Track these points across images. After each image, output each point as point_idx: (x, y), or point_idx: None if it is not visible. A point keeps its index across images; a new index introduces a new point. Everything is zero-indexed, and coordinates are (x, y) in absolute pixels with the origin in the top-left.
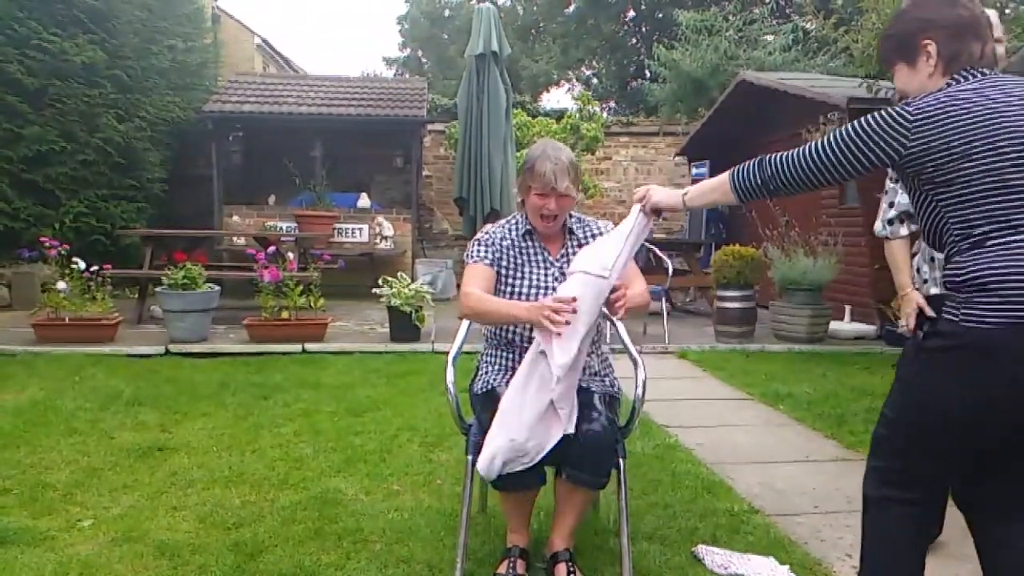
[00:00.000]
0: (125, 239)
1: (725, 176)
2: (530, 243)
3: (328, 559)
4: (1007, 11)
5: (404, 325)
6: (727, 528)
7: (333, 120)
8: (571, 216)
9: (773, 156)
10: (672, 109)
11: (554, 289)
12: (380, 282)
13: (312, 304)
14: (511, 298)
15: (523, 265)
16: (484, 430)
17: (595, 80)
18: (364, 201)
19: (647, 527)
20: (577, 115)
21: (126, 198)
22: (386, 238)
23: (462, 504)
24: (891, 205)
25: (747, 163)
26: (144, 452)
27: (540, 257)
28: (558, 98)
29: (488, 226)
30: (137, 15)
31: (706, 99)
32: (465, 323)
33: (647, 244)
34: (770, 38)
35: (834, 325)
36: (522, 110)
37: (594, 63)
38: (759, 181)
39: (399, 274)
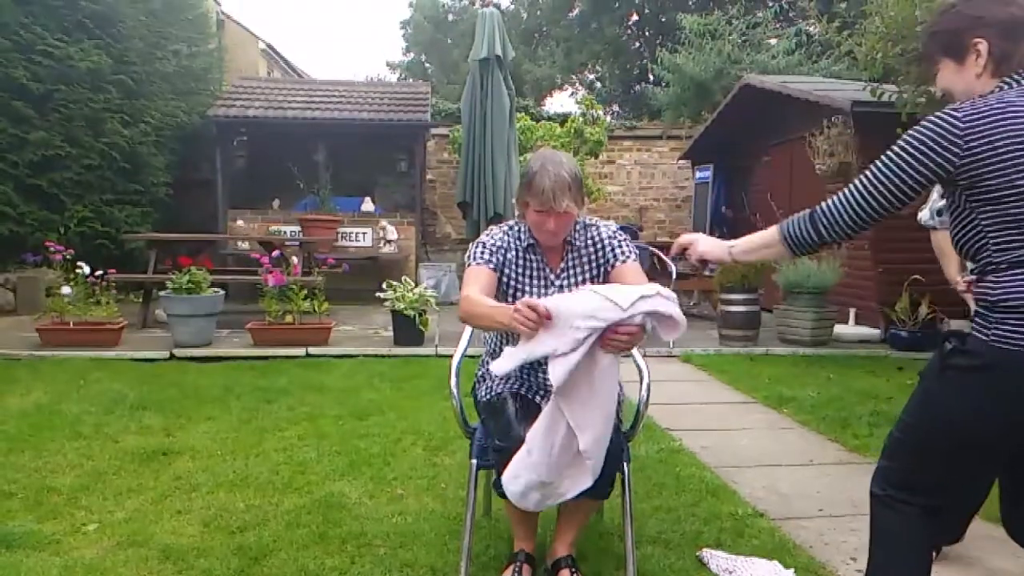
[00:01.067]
0: (130, 243)
1: (775, 233)
2: (532, 257)
3: (332, 563)
4: None
5: (408, 329)
6: (731, 532)
7: (337, 124)
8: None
9: (823, 205)
10: (676, 113)
11: None
12: (384, 286)
13: (316, 308)
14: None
15: (524, 283)
16: (489, 435)
17: (599, 84)
18: (368, 205)
19: (651, 531)
20: (581, 119)
21: (131, 203)
22: (390, 242)
23: (466, 508)
24: (942, 195)
25: (798, 218)
26: (148, 456)
27: (541, 274)
28: (561, 102)
29: (493, 229)
30: (142, 20)
31: (710, 103)
32: (468, 327)
33: (651, 247)
34: (773, 42)
35: (838, 328)
36: (526, 114)
37: (597, 67)
38: (814, 235)
39: (403, 278)
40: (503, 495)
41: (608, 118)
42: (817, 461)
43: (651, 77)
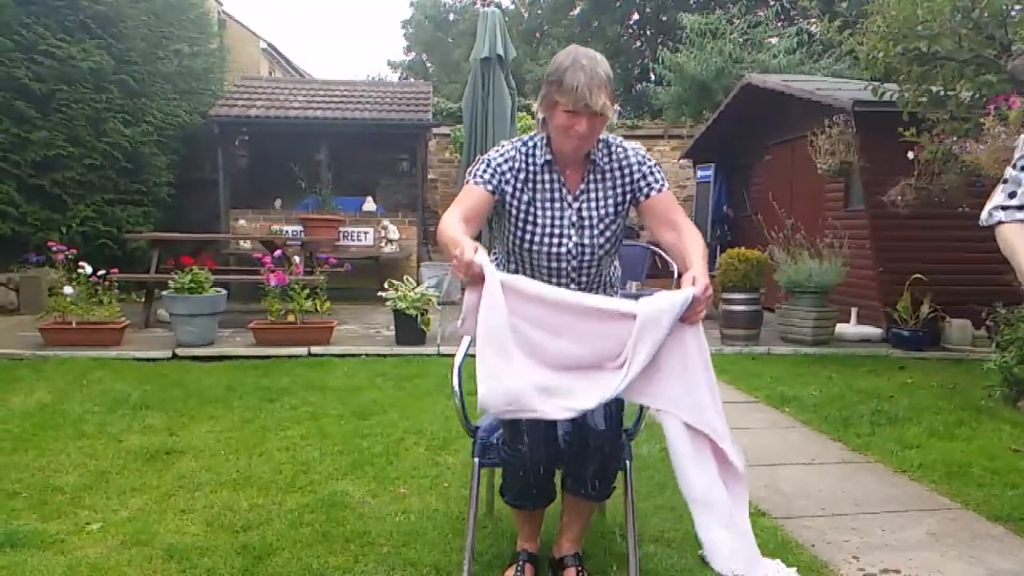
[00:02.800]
0: (132, 243)
1: None
2: (548, 176)
3: (335, 562)
4: (1012, 13)
5: (410, 328)
6: None
7: (338, 124)
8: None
9: None
10: (677, 112)
11: (569, 237)
12: (386, 285)
13: (318, 308)
14: (522, 246)
15: (538, 205)
16: (495, 428)
17: None
18: (369, 205)
19: (653, 529)
20: None
21: (133, 202)
22: (391, 241)
23: (469, 507)
24: (1011, 195)
25: None
26: (152, 455)
27: (558, 194)
28: None
29: (504, 144)
30: (144, 20)
31: (711, 102)
32: None
33: (652, 248)
34: (774, 41)
35: (840, 328)
36: (527, 113)
37: None
38: None
39: (404, 277)
40: (514, 504)
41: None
42: (819, 460)
43: (652, 76)
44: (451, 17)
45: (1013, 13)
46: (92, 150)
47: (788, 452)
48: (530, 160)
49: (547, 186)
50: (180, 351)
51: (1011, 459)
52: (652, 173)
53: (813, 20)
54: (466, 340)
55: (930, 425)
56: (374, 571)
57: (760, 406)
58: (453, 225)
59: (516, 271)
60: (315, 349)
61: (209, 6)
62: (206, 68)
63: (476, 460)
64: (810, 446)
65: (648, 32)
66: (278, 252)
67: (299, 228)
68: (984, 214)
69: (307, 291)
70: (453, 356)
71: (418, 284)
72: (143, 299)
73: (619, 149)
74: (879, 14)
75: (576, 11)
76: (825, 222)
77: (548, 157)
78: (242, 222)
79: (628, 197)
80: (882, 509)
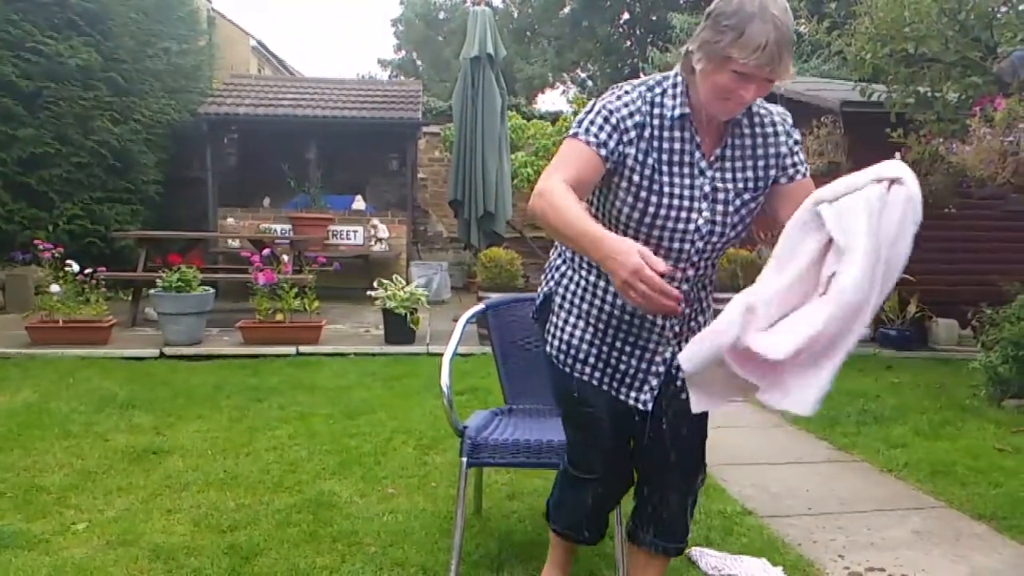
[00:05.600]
0: (119, 241)
1: None
2: (681, 135)
3: (323, 562)
4: (998, 15)
5: (399, 327)
6: (721, 530)
7: (328, 122)
8: None
9: None
10: None
11: (700, 212)
12: (375, 284)
13: (307, 307)
14: (641, 220)
15: (665, 170)
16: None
17: (590, 83)
18: (359, 203)
19: None
20: (572, 118)
21: (120, 200)
22: (381, 240)
23: (456, 507)
24: None
25: None
26: (138, 455)
27: (689, 158)
28: (553, 100)
29: (624, 89)
30: (132, 18)
31: None
32: (459, 325)
33: None
34: None
35: None
36: (517, 112)
37: (589, 65)
38: None
39: (394, 276)
40: (562, 534)
41: None
42: (805, 459)
43: (642, 76)
44: (441, 16)
45: (999, 15)
46: (80, 148)
47: (775, 452)
48: (656, 112)
49: (677, 146)
50: (168, 350)
51: (995, 458)
52: (799, 152)
53: (802, 21)
54: (455, 338)
55: (916, 424)
56: (361, 571)
57: (746, 406)
58: (572, 205)
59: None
60: (304, 348)
61: (199, 4)
62: (195, 66)
63: (464, 460)
64: (797, 446)
65: (638, 32)
66: (266, 250)
67: (288, 227)
68: None
69: (295, 290)
70: (442, 355)
71: (408, 283)
72: (130, 298)
73: (762, 110)
74: (867, 15)
75: (566, 10)
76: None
77: (686, 110)
78: (230, 220)
79: (772, 173)
80: (868, 508)
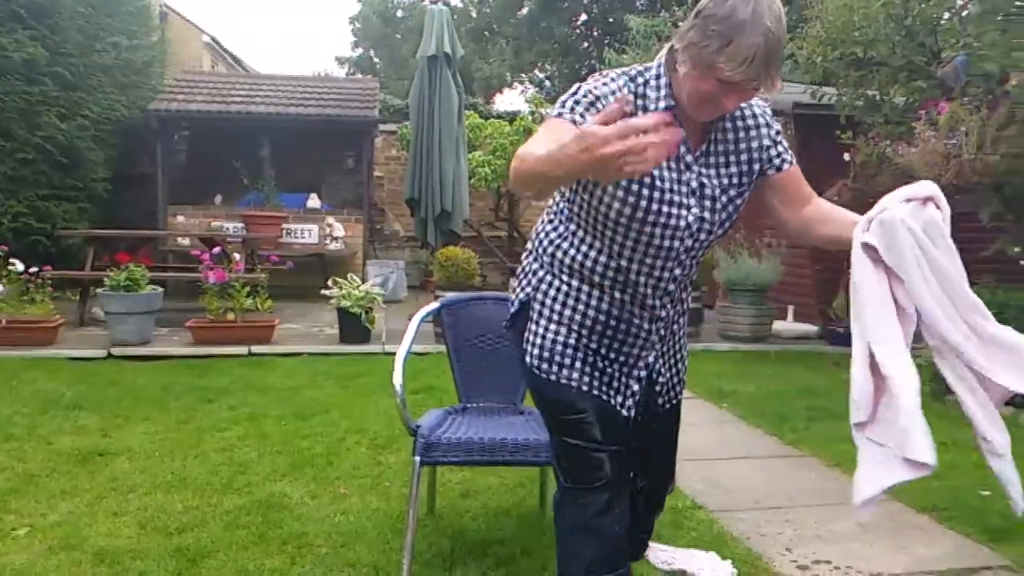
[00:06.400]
0: (66, 240)
1: None
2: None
3: (272, 564)
4: (941, 22)
5: (354, 327)
6: (671, 524)
7: (283, 120)
8: None
9: None
10: None
11: (688, 208)
12: (329, 283)
13: (259, 306)
14: (632, 215)
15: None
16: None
17: (548, 83)
18: (314, 201)
19: None
20: (529, 117)
21: (68, 198)
22: (336, 239)
23: (409, 506)
24: None
25: None
26: (84, 457)
27: (675, 152)
28: (511, 100)
29: (607, 75)
30: (80, 11)
31: None
32: (413, 324)
33: None
34: None
35: (777, 325)
36: (475, 112)
37: (547, 66)
38: None
39: (349, 275)
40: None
41: None
42: (754, 454)
43: None
44: (399, 13)
45: (942, 22)
46: (25, 144)
47: (725, 447)
48: (640, 103)
49: None
50: (115, 350)
51: (939, 452)
52: (781, 141)
53: None
54: (409, 336)
55: None
56: (311, 572)
57: (699, 401)
58: (538, 150)
59: (597, 254)
60: (256, 348)
61: None
62: (146, 62)
63: (416, 459)
64: (747, 441)
65: (595, 33)
66: (217, 249)
67: (240, 225)
68: None
69: (247, 289)
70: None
71: (364, 282)
72: (78, 297)
73: (742, 103)
74: (818, 20)
75: (524, 10)
76: (764, 222)
77: (671, 102)
78: (181, 219)
79: (756, 167)
80: (815, 502)
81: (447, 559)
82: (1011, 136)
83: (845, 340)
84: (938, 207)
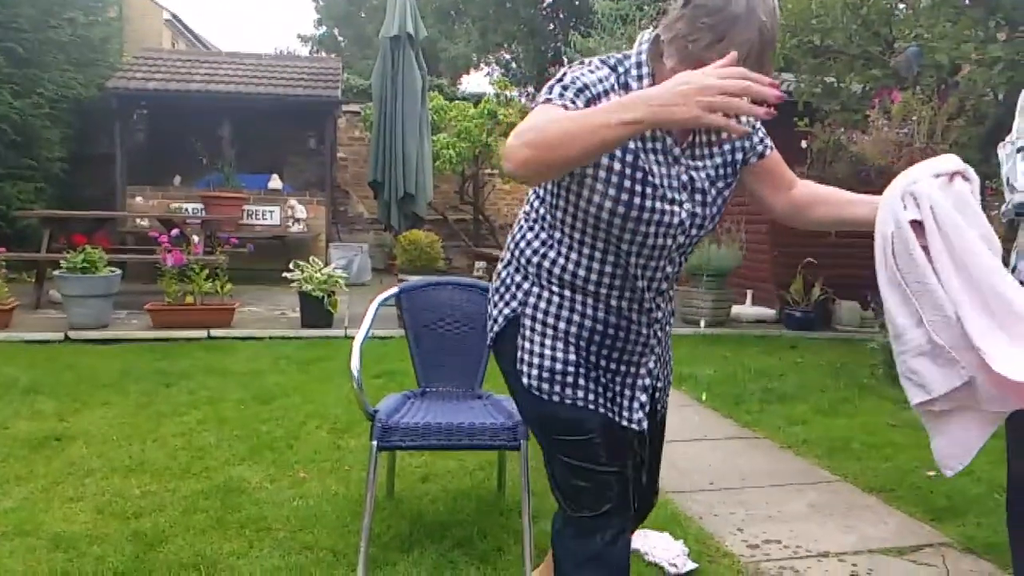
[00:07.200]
0: (22, 221)
1: None
2: None
3: (230, 547)
4: (896, 12)
5: (316, 310)
6: None
7: (244, 99)
8: None
9: None
10: None
11: (680, 203)
12: (291, 266)
13: (219, 289)
14: (627, 213)
15: (637, 156)
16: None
17: (514, 64)
18: (276, 183)
19: (549, 506)
20: (495, 100)
21: (23, 178)
22: (299, 221)
23: (367, 490)
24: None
25: None
26: (40, 442)
27: (661, 145)
28: (477, 82)
29: (594, 64)
30: None
31: None
32: (372, 308)
33: None
34: None
35: (736, 309)
36: (440, 93)
37: (513, 47)
38: None
39: (311, 258)
40: None
41: (523, 99)
42: (710, 436)
43: (565, 60)
44: None
45: (897, 12)
46: None
47: (682, 429)
48: (623, 92)
49: (649, 132)
50: (73, 333)
51: (888, 434)
52: (760, 128)
53: None
54: (367, 321)
55: (816, 403)
56: (269, 556)
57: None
58: (553, 119)
59: (588, 260)
60: (215, 332)
61: None
62: (103, 39)
63: (374, 443)
64: (703, 423)
65: (561, 15)
66: (175, 231)
67: (200, 206)
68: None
69: (207, 271)
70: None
71: (327, 265)
72: (34, 279)
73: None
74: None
75: None
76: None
77: None
78: (139, 199)
79: (740, 156)
80: (767, 483)
81: (405, 541)
82: (960, 126)
83: (801, 323)
84: (966, 179)
